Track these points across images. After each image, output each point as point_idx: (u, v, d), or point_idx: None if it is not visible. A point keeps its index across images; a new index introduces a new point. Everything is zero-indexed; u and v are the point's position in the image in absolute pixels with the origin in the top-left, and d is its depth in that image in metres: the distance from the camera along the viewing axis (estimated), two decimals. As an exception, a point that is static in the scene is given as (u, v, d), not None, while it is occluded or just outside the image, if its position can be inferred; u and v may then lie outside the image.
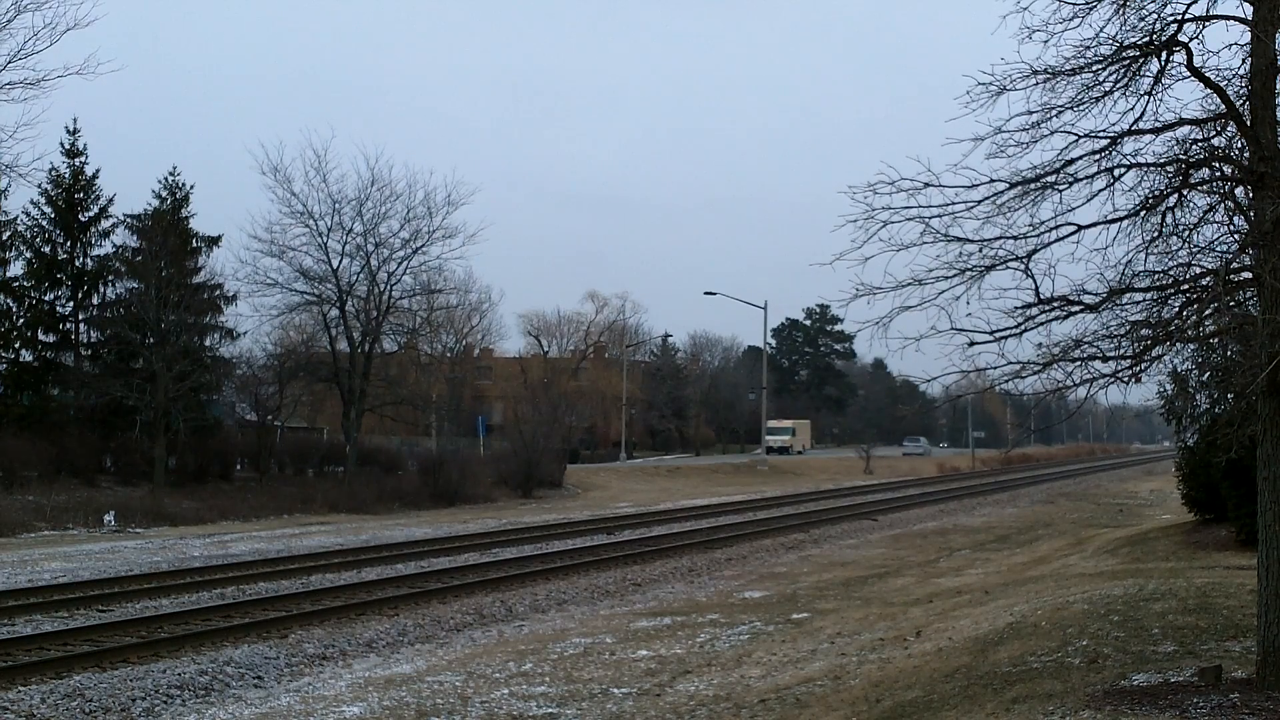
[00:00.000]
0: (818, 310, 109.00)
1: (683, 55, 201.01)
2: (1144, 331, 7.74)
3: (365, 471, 43.95)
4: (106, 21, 22.07)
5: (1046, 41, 8.11)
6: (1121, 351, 7.81)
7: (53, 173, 39.34)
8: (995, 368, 8.10)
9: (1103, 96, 8.20)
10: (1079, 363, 7.88)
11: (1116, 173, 8.17)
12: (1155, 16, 8.03)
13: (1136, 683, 8.18)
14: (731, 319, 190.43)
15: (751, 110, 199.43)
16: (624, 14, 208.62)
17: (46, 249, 40.18)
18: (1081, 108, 8.21)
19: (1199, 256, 8.06)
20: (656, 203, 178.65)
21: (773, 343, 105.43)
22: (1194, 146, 8.07)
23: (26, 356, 40.21)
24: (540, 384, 70.13)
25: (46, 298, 40.48)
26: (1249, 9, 7.80)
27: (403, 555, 24.23)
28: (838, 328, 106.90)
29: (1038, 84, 8.13)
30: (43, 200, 39.85)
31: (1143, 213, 8.10)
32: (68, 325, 41.07)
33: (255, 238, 44.49)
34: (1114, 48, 8.08)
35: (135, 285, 40.25)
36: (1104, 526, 30.63)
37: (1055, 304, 8.02)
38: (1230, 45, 7.97)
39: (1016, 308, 8.07)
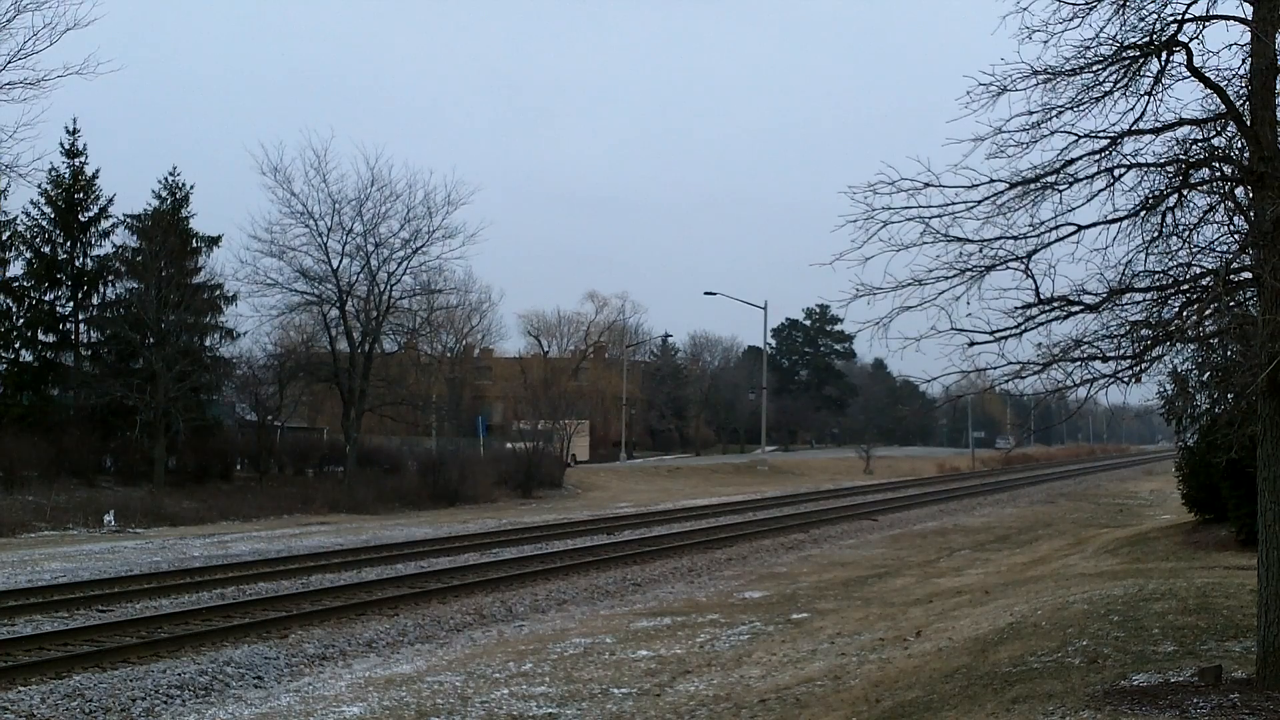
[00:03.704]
0: (818, 310, 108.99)
1: (682, 55, 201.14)
2: (1144, 331, 7.74)
3: (365, 471, 43.93)
4: (106, 21, 22.07)
5: (1046, 41, 8.12)
6: (1121, 351, 7.82)
7: (53, 173, 39.33)
8: (995, 368, 8.11)
9: (1103, 97, 8.20)
10: (1079, 363, 7.89)
11: (1116, 173, 8.18)
12: (1155, 16, 8.04)
13: (1136, 683, 8.18)
14: (731, 319, 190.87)
15: (751, 110, 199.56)
16: (623, 13, 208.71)
17: (46, 249, 40.14)
18: (1081, 108, 8.22)
19: (1199, 256, 8.06)
20: (656, 203, 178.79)
21: (773, 343, 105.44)
22: (1194, 146, 8.07)
23: (26, 356, 40.15)
24: (540, 384, 70.08)
25: (46, 298, 40.43)
26: (1249, 9, 7.81)
27: (403, 555, 24.22)
28: (838, 328, 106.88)
29: (1038, 84, 8.15)
30: (43, 200, 39.83)
31: (1143, 213, 8.10)
32: (68, 325, 41.03)
33: (255, 238, 44.45)
34: (1114, 48, 8.08)
35: (135, 285, 40.22)
36: (1104, 526, 30.64)
37: (1055, 304, 8.03)
38: (1230, 45, 7.98)
39: (1016, 308, 8.08)
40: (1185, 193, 8.10)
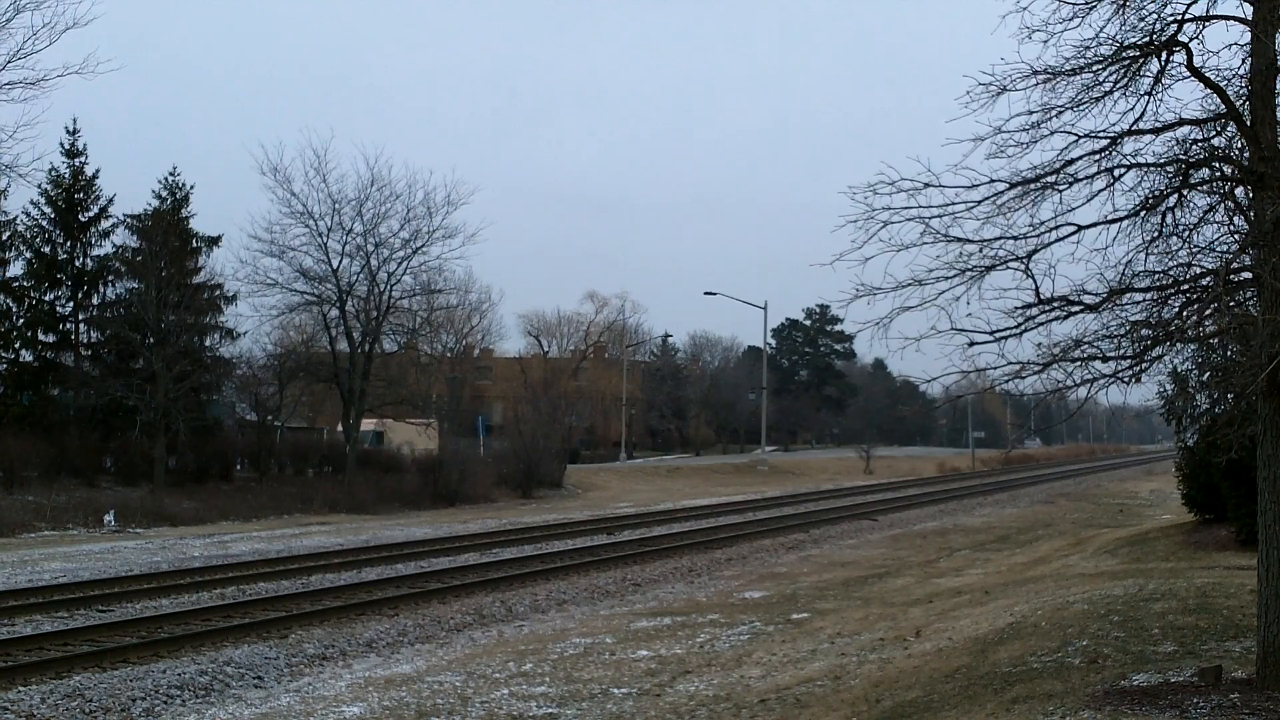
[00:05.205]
0: (818, 310, 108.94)
1: (682, 55, 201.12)
2: (1144, 331, 7.74)
3: (365, 471, 43.96)
4: (106, 21, 22.13)
5: (1046, 41, 8.12)
6: (1121, 351, 7.82)
7: (53, 173, 39.34)
8: (995, 368, 8.11)
9: (1103, 96, 8.20)
10: (1079, 363, 7.89)
11: (1116, 173, 8.18)
12: (1155, 16, 8.04)
13: (1136, 683, 8.18)
14: (731, 319, 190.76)
15: (751, 110, 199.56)
16: (623, 13, 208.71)
17: (46, 249, 40.14)
18: (1081, 108, 8.22)
19: (1199, 256, 8.06)
20: (656, 203, 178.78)
21: (773, 343, 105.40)
22: (1194, 146, 8.07)
23: (26, 356, 40.15)
24: (540, 384, 70.09)
25: (46, 298, 40.43)
26: (1249, 9, 7.81)
27: (403, 555, 24.22)
28: (838, 328, 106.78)
29: (1038, 84, 8.14)
30: (43, 200, 39.85)
31: (1143, 213, 8.10)
32: (68, 325, 41.04)
33: (255, 238, 44.46)
34: (1114, 48, 8.08)
35: (135, 285, 40.20)
36: (1104, 526, 30.63)
37: (1055, 304, 8.03)
38: (1230, 45, 7.98)
39: (1016, 308, 8.08)
40: (1185, 193, 8.10)
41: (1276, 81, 7.69)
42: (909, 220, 8.20)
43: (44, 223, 40.12)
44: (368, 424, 53.42)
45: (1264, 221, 7.35)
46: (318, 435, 52.51)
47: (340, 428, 50.06)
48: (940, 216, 8.20)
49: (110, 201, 41.09)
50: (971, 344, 8.10)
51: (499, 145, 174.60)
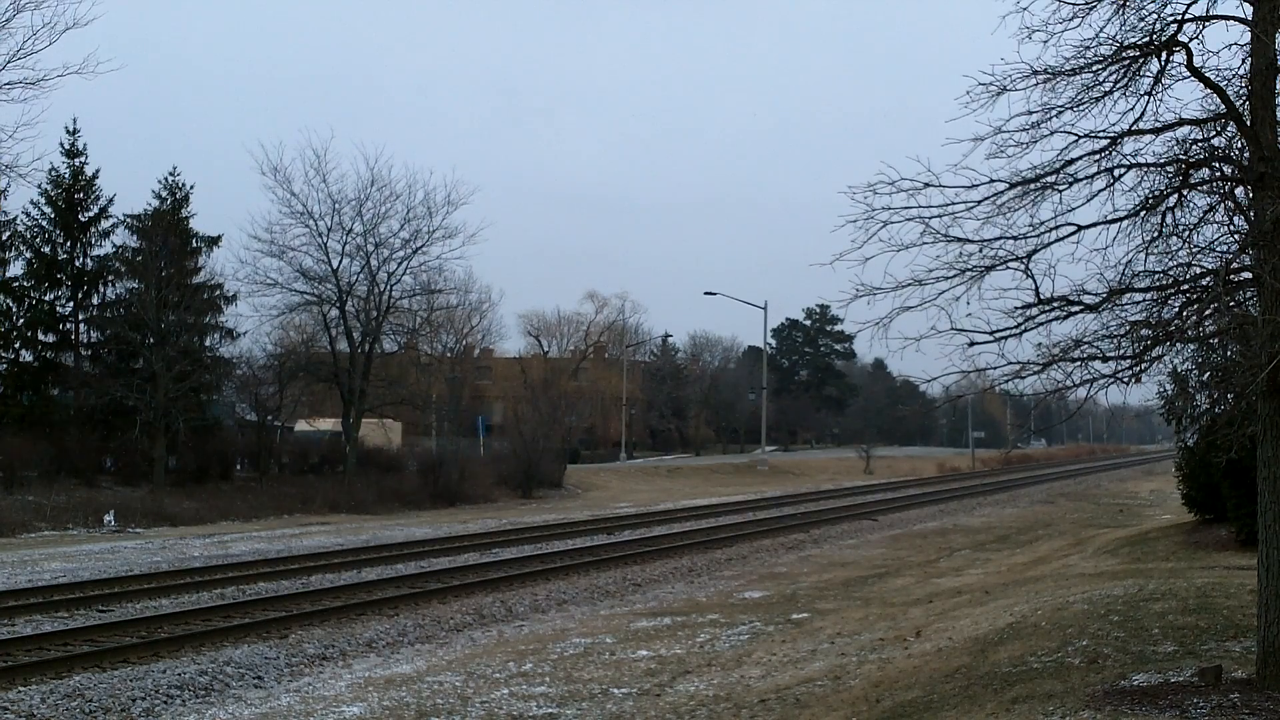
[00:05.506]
0: (818, 310, 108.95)
1: (682, 54, 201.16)
2: (1144, 331, 7.74)
3: (365, 471, 43.95)
4: (106, 21, 22.14)
5: (1046, 41, 8.12)
6: (1121, 351, 7.81)
7: (53, 173, 39.39)
8: (995, 368, 8.11)
9: (1103, 96, 8.20)
10: (1079, 363, 7.88)
11: (1116, 173, 8.18)
12: (1155, 17, 8.04)
13: (1136, 683, 8.18)
14: (731, 319, 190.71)
15: (751, 110, 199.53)
16: (623, 13, 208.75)
17: (46, 249, 40.17)
18: (1081, 108, 8.21)
19: (1199, 256, 8.06)
20: (656, 203, 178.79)
21: (773, 343, 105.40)
22: (1194, 146, 8.07)
23: (26, 356, 40.20)
24: (540, 384, 70.06)
25: (46, 298, 40.45)
26: (1249, 9, 7.80)
27: (403, 555, 24.22)
28: (838, 328, 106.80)
29: (1038, 84, 8.14)
30: (43, 200, 39.88)
31: (1143, 213, 8.10)
32: (68, 325, 41.05)
33: (255, 238, 44.51)
34: (1114, 48, 8.07)
35: (135, 285, 40.24)
36: (1104, 527, 30.63)
37: (1055, 304, 8.03)
38: (1230, 45, 7.98)
39: (1016, 308, 8.08)
40: (1185, 193, 8.10)
41: (1276, 81, 7.68)
42: (909, 220, 8.20)
43: (44, 223, 40.15)
44: (325, 422, 53.24)
45: (1264, 221, 7.34)
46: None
47: (296, 425, 49.90)
48: (940, 216, 8.21)
49: (110, 201, 41.19)
50: (971, 344, 8.10)
51: (499, 145, 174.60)
